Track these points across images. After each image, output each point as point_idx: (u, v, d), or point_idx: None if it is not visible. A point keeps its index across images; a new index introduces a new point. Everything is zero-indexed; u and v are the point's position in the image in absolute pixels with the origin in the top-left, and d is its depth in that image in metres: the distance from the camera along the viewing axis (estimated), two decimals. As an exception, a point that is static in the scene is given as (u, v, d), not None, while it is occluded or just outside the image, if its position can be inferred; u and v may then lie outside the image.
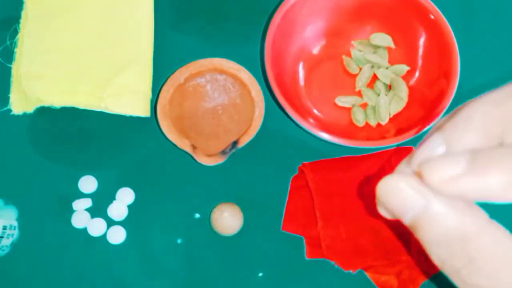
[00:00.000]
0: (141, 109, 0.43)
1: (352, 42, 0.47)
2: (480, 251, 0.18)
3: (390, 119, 0.45)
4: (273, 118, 0.45)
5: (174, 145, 0.42)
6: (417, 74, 0.45)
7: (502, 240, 0.18)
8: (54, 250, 0.42)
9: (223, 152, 0.41)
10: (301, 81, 0.46)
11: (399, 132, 0.41)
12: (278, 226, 0.43)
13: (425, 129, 0.40)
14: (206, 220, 0.43)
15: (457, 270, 0.18)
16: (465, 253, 0.18)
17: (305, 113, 0.44)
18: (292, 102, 0.42)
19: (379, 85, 0.45)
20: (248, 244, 0.42)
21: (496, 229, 0.18)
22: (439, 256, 0.19)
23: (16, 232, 0.42)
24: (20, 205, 0.43)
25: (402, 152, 0.44)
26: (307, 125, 0.40)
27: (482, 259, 0.18)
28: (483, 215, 0.18)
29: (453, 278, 0.19)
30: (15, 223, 0.42)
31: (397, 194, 0.19)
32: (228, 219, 0.41)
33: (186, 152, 0.42)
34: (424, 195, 0.19)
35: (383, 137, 0.41)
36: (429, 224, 0.19)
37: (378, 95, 0.45)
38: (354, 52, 0.46)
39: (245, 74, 0.43)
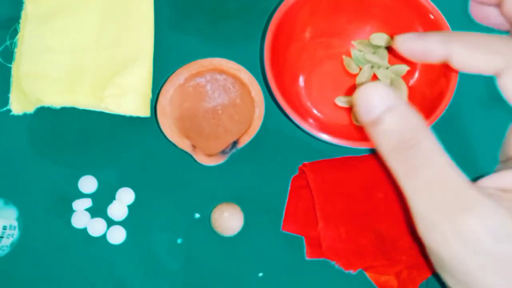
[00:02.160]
0: (141, 109, 0.43)
1: (352, 42, 0.47)
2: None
3: (390, 119, 0.45)
4: (273, 118, 0.45)
5: (174, 145, 0.42)
6: (417, 74, 0.45)
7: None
8: (54, 250, 0.42)
9: (223, 152, 0.41)
10: (301, 81, 0.46)
11: (399, 132, 0.41)
12: (278, 226, 0.43)
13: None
14: (206, 220, 0.43)
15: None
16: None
17: (305, 113, 0.44)
18: (292, 102, 0.42)
19: (379, 85, 0.45)
20: (248, 244, 0.42)
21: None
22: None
23: (16, 232, 0.42)
24: (20, 205, 0.43)
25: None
26: (307, 126, 0.40)
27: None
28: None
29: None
30: (15, 223, 0.42)
31: (365, 96, 0.24)
32: (228, 219, 0.41)
33: (186, 152, 0.42)
34: (392, 99, 0.24)
35: (383, 137, 0.41)
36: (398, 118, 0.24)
37: (378, 95, 0.45)
38: (354, 52, 0.46)
39: (245, 74, 0.43)
